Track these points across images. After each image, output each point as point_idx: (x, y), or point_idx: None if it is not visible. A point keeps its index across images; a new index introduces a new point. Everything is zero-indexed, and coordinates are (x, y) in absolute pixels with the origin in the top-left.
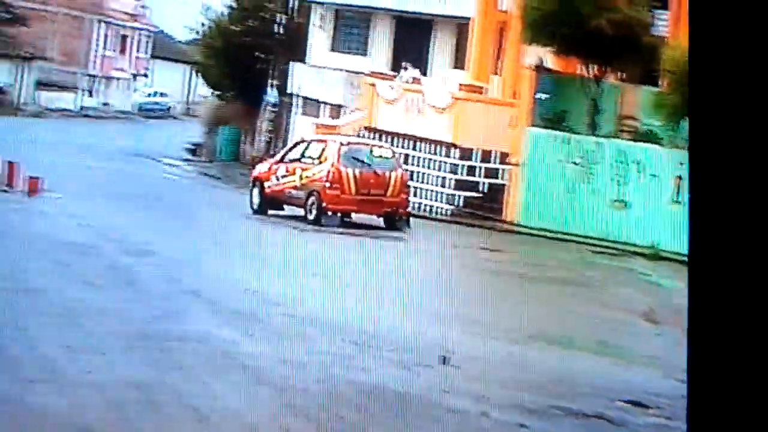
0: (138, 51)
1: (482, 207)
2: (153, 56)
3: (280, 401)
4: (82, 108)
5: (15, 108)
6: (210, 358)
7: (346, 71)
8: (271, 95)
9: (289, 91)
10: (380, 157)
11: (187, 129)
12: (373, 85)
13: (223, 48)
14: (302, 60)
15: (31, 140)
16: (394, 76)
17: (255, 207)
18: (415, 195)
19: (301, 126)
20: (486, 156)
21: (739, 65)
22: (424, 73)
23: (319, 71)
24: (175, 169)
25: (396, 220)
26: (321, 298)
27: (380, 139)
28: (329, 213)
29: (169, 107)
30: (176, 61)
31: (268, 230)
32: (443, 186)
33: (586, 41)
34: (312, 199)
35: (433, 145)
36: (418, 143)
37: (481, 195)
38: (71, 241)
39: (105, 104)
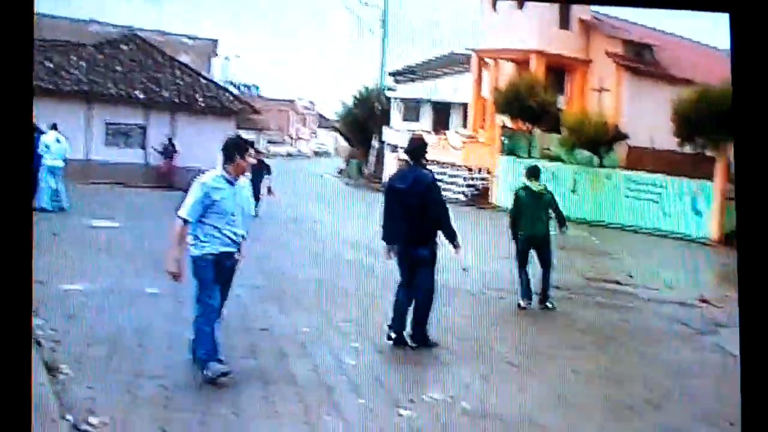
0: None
1: (479, 196)
2: (319, 126)
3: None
4: (290, 154)
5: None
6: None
7: (409, 130)
8: (375, 143)
9: (382, 141)
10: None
11: (338, 162)
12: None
13: (351, 121)
14: (388, 125)
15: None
16: (434, 133)
17: None
18: (445, 191)
19: (389, 158)
20: (479, 171)
21: None
22: (447, 129)
23: (396, 131)
24: (331, 179)
25: None
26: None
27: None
28: None
29: (327, 151)
30: (331, 128)
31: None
32: (460, 186)
33: (525, 112)
34: None
35: (454, 167)
36: (447, 166)
37: (477, 191)
38: (290, 216)
39: (299, 151)
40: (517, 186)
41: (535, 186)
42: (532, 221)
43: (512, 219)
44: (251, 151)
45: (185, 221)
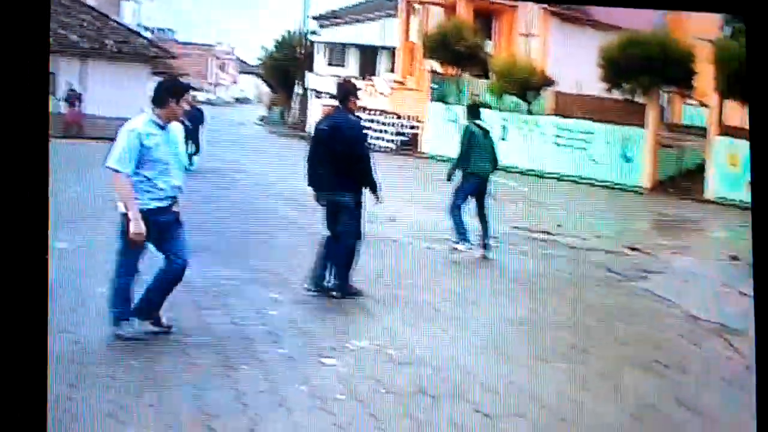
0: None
1: (408, 145)
2: (240, 72)
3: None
4: (209, 101)
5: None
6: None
7: (333, 75)
8: (298, 89)
9: (306, 87)
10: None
11: (260, 108)
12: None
13: (273, 67)
14: (312, 70)
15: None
16: (361, 78)
17: None
18: (374, 140)
19: (314, 105)
20: (408, 118)
21: None
22: (374, 74)
23: (320, 76)
24: (253, 127)
25: None
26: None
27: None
28: None
29: (247, 98)
30: (252, 74)
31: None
32: (389, 134)
33: (454, 56)
34: None
35: (383, 114)
36: (376, 113)
37: (407, 139)
38: (210, 167)
39: (218, 98)
40: (466, 124)
41: (482, 124)
42: (483, 160)
43: (461, 157)
44: (187, 96)
45: (127, 174)
